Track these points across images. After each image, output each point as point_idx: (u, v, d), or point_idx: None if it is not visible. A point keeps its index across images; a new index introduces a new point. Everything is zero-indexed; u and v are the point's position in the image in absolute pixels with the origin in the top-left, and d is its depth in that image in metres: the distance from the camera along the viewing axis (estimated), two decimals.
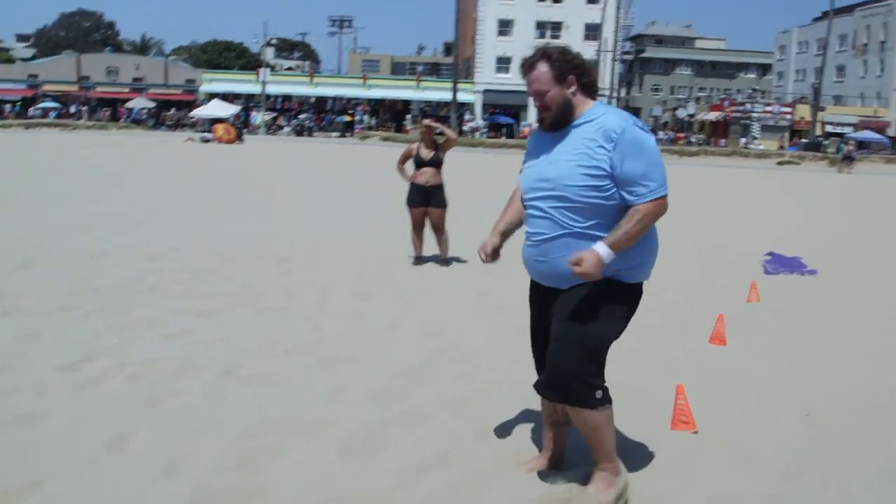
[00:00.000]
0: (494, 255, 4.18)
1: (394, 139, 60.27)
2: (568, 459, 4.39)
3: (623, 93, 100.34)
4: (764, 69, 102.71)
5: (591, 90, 3.88)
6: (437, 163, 10.57)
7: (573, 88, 3.80)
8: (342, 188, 21.77)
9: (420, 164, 10.60)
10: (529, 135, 4.38)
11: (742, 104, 73.33)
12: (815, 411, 5.48)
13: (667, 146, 60.13)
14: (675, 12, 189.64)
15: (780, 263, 11.64)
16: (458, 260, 10.99)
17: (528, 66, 3.83)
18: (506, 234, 4.22)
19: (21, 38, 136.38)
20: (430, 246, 11.00)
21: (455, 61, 64.77)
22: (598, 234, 3.74)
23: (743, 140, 67.79)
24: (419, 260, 10.76)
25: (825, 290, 9.98)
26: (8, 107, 77.66)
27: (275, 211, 15.91)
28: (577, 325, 3.79)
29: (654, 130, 79.11)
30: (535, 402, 5.31)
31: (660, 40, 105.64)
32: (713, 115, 75.20)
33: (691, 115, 79.14)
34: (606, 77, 65.23)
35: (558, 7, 77.32)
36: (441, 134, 10.55)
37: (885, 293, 9.96)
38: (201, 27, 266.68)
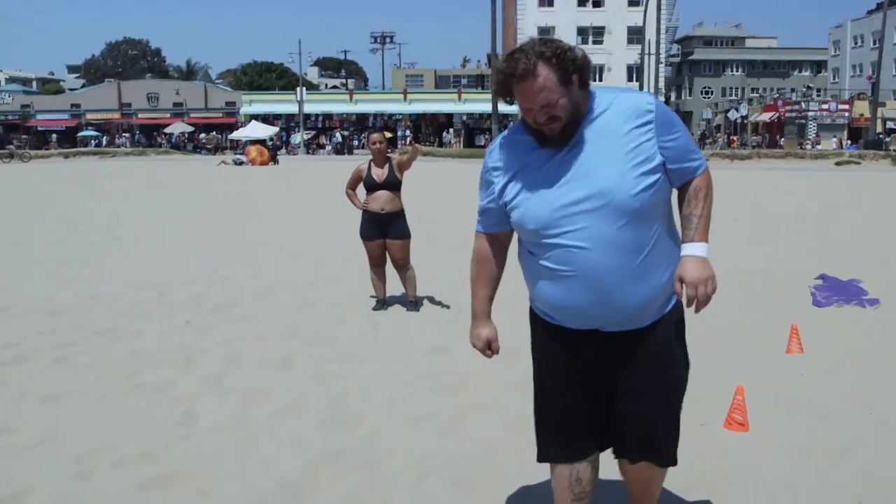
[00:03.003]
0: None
1: (434, 154, 58.63)
2: None
3: (672, 97, 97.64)
4: (819, 66, 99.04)
5: (587, 82, 3.04)
6: (392, 185, 8.66)
7: (575, 87, 2.95)
8: (346, 214, 19.89)
9: (372, 187, 8.69)
10: (497, 150, 3.22)
11: (797, 103, 70.17)
12: None
13: (719, 151, 57.63)
14: (723, 13, 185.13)
15: (834, 290, 9.49)
16: (431, 300, 9.04)
17: (524, 74, 2.87)
18: (490, 313, 3.39)
19: (72, 69, 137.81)
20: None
21: (493, 74, 62.78)
22: (663, 243, 3.07)
23: (815, 144, 64.39)
24: (381, 304, 8.83)
25: (890, 328, 7.83)
26: (54, 136, 77.82)
27: (251, 244, 14.07)
28: (668, 374, 3.20)
29: (705, 135, 76.47)
30: None
31: (708, 41, 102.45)
32: (766, 116, 72.17)
33: (744, 117, 76.04)
34: (652, 81, 62.80)
35: (599, 11, 75.17)
36: (412, 145, 8.65)
37: None
38: (246, 50, 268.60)
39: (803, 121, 68.32)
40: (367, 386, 5.98)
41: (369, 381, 6.12)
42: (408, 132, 76.04)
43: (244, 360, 6.70)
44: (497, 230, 3.27)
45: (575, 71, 2.93)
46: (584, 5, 75.41)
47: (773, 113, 71.58)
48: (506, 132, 3.20)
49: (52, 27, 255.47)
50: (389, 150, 8.97)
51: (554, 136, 2.96)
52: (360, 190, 8.77)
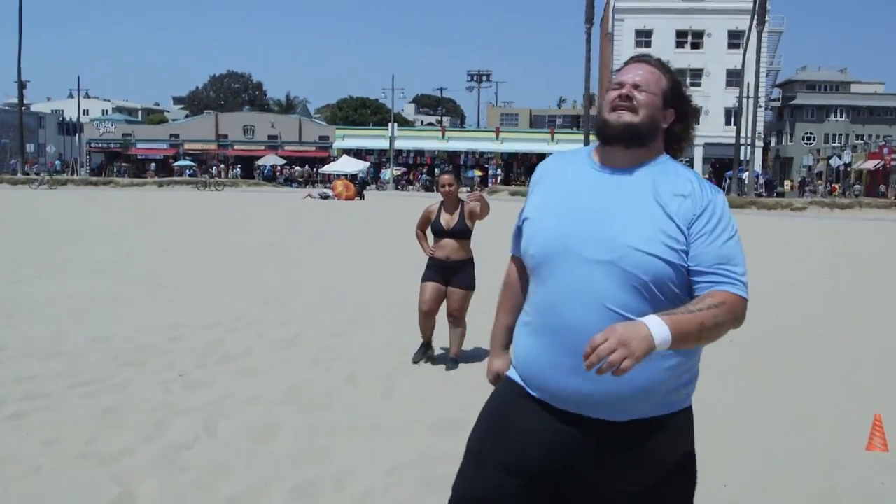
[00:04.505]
0: None
1: (523, 194, 57.65)
2: None
3: (772, 142, 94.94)
4: None
5: (674, 140, 2.69)
6: (461, 234, 7.87)
7: (667, 116, 2.63)
8: (411, 257, 19.10)
9: (439, 233, 7.92)
10: (547, 162, 2.87)
11: None
12: None
13: (819, 199, 55.35)
14: (827, 57, 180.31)
15: None
16: (467, 358, 8.03)
17: (643, 61, 2.68)
18: (509, 345, 2.85)
19: (176, 100, 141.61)
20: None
21: (586, 113, 61.78)
22: None
23: None
24: (425, 349, 8.03)
25: None
26: (153, 165, 79.29)
27: (297, 284, 13.31)
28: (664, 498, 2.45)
29: (805, 181, 73.86)
30: None
31: (812, 86, 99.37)
32: (871, 164, 69.22)
33: (847, 165, 73.15)
34: (750, 125, 60.86)
35: (698, 53, 73.42)
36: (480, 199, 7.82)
37: None
38: (345, 86, 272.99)
39: None
40: (346, 470, 5.02)
41: (352, 463, 5.15)
42: (499, 171, 75.51)
43: (221, 427, 5.80)
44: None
45: (677, 106, 2.69)
46: (683, 47, 73.73)
47: (877, 161, 68.62)
48: (569, 150, 2.90)
49: (161, 60, 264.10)
50: (470, 190, 8.37)
51: (618, 127, 2.58)
52: (429, 232, 8.06)
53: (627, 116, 2.58)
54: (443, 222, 7.90)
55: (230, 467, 5.02)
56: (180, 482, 4.77)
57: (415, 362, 7.91)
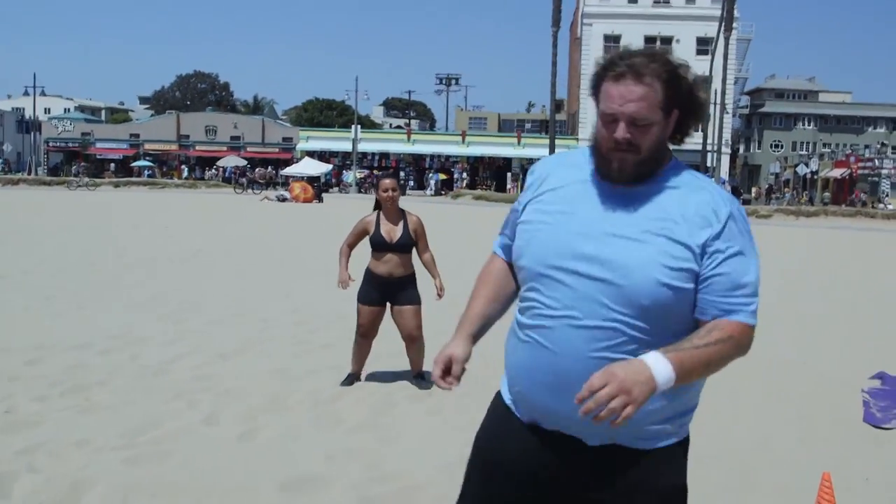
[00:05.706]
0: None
1: (486, 198, 56.81)
2: None
3: (741, 149, 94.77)
4: (894, 123, 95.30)
5: (683, 135, 2.44)
6: (405, 246, 6.87)
7: (670, 124, 2.38)
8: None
9: (381, 246, 6.88)
10: (544, 167, 2.61)
11: (870, 160, 66.81)
12: None
13: (785, 206, 54.84)
14: (796, 66, 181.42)
15: None
16: (361, 390, 6.96)
17: (629, 70, 2.29)
18: (478, 337, 2.61)
19: (142, 100, 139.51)
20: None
21: (552, 118, 60.79)
22: None
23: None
24: (351, 379, 7.07)
25: None
26: (112, 165, 77.53)
27: (204, 296, 12.15)
28: None
29: (771, 188, 73.65)
30: None
31: (780, 94, 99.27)
32: (837, 172, 68.94)
33: (814, 173, 72.87)
34: (717, 131, 60.30)
35: None
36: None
37: None
38: (314, 89, 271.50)
39: (876, 178, 65.00)
40: None
41: None
42: (464, 175, 74.53)
43: (18, 487, 4.64)
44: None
45: (681, 105, 2.35)
46: None
47: (844, 169, 68.39)
48: (568, 151, 2.68)
49: (128, 60, 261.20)
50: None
51: (626, 174, 2.35)
52: (363, 247, 7.07)
53: (632, 159, 2.33)
54: (384, 234, 6.88)
55: None
56: None
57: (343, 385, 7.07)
